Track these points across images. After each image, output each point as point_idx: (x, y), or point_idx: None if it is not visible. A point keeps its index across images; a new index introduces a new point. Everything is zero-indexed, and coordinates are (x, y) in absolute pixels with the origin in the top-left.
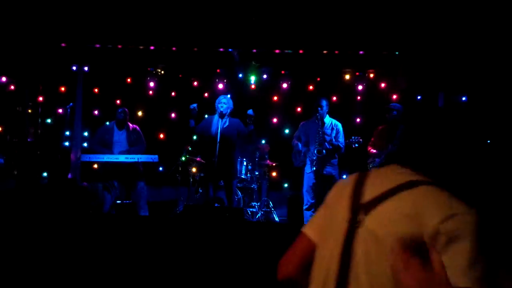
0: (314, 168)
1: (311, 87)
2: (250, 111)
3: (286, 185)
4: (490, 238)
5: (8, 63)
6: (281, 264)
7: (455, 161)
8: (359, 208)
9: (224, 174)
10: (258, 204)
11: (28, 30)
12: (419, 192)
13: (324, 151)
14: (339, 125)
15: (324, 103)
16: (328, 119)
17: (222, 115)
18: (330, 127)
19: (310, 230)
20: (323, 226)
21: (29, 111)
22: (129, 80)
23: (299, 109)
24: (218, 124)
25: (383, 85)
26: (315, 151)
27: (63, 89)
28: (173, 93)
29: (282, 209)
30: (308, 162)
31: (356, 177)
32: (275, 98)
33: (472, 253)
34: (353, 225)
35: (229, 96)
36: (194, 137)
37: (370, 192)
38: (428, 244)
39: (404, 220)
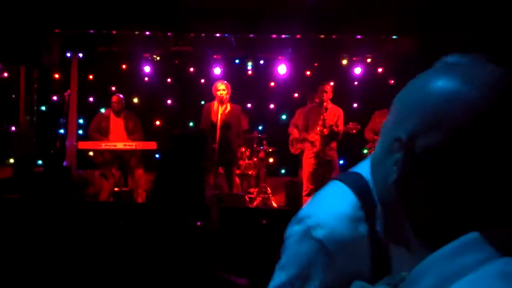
0: (314, 153)
1: (308, 73)
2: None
3: (283, 171)
4: None
5: (1, 49)
6: None
7: None
8: None
9: (225, 160)
10: (256, 190)
11: (22, 15)
12: None
13: (324, 131)
14: (341, 112)
15: (328, 88)
16: (330, 105)
17: (222, 102)
18: (333, 113)
19: None
20: None
21: (24, 98)
22: (124, 66)
23: (296, 94)
24: (218, 110)
25: (380, 70)
26: (318, 132)
27: (57, 76)
28: (169, 80)
29: (279, 195)
30: (308, 147)
31: None
32: (272, 84)
33: None
34: None
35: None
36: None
37: None
38: None
39: None
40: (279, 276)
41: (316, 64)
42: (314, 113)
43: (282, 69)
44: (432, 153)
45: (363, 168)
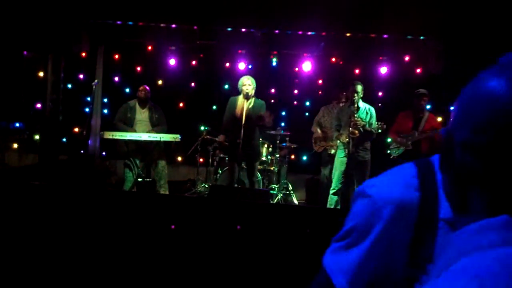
0: (347, 152)
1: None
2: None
3: (304, 167)
4: None
5: (31, 36)
6: None
7: None
8: None
9: (248, 155)
10: (277, 186)
11: (52, 5)
12: None
13: (356, 132)
14: (373, 110)
15: (359, 88)
16: (362, 104)
17: (247, 97)
18: (365, 112)
19: None
20: None
21: (51, 85)
22: (149, 58)
23: (320, 92)
24: (243, 105)
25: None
26: (349, 133)
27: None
28: (193, 72)
29: (300, 192)
30: (341, 147)
31: None
32: (296, 81)
33: None
34: None
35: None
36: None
37: None
38: None
39: None
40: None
41: (341, 63)
42: (345, 113)
43: (306, 66)
44: (478, 153)
45: (434, 157)
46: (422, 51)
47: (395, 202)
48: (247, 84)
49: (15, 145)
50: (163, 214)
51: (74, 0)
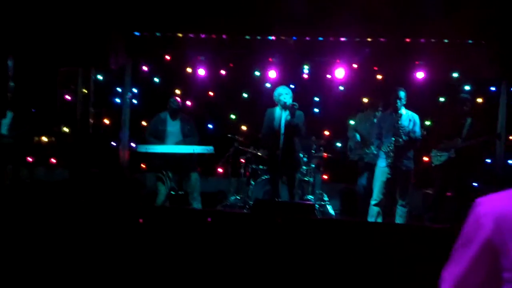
0: (390, 161)
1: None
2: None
3: (337, 177)
4: None
5: (69, 53)
6: None
7: None
8: None
9: (288, 167)
10: (313, 197)
11: (89, 18)
12: None
13: (401, 140)
14: (417, 117)
15: (402, 94)
16: (405, 111)
17: (285, 107)
18: (408, 119)
19: None
20: None
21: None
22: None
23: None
24: (282, 116)
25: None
26: (392, 140)
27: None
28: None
29: (334, 202)
30: (383, 156)
31: None
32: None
33: None
34: None
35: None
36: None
37: None
38: None
39: None
40: None
41: (375, 68)
42: (387, 120)
43: (339, 73)
44: None
45: None
46: (472, 56)
47: (495, 215)
48: (284, 93)
49: None
50: (204, 230)
51: (103, 15)
